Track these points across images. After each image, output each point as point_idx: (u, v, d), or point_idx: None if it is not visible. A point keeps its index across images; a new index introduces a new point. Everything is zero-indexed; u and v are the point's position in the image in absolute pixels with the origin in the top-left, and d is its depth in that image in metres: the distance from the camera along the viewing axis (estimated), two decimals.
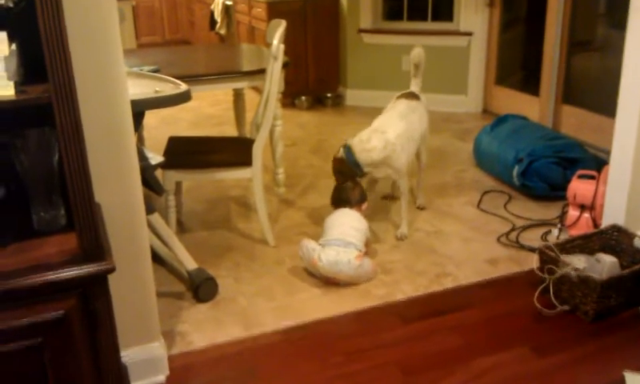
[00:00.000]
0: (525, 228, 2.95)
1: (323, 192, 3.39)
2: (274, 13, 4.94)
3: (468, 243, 2.84)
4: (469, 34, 4.81)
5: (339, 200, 2.73)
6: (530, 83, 4.49)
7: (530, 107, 4.41)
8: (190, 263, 2.44)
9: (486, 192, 3.39)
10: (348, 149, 2.74)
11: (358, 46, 5.20)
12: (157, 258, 2.61)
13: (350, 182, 2.75)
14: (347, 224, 2.57)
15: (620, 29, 3.41)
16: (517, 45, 4.86)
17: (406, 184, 2.84)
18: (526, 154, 3.24)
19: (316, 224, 2.97)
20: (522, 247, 2.77)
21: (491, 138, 3.59)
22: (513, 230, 2.94)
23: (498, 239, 2.86)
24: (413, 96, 3.00)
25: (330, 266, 2.45)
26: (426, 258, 2.72)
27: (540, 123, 4.01)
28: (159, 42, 8.11)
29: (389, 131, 2.76)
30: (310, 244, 2.53)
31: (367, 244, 2.62)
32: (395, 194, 3.24)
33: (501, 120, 3.72)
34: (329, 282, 2.49)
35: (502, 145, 3.45)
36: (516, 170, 3.27)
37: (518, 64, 4.87)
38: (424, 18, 4.99)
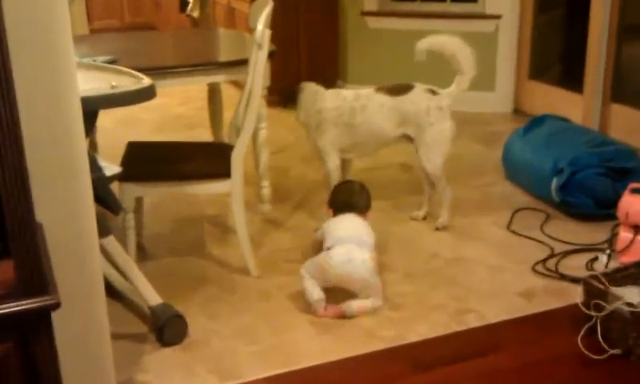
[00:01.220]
0: (566, 254, 2.96)
1: (318, 210, 3.40)
2: None
3: (496, 272, 2.84)
4: (496, 16, 4.85)
5: (343, 204, 2.81)
6: (571, 77, 4.54)
7: (572, 106, 4.44)
8: (153, 298, 2.44)
9: (517, 210, 3.40)
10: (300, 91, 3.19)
11: (362, 31, 5.24)
12: (112, 292, 2.61)
13: (356, 183, 2.93)
14: (355, 225, 2.68)
15: None
16: (555, 30, 4.92)
17: (439, 174, 3.15)
18: (566, 164, 3.26)
19: (309, 249, 2.98)
20: (563, 277, 2.78)
21: (524, 143, 3.61)
22: (551, 256, 2.94)
23: (533, 268, 2.86)
24: (402, 89, 3.14)
25: (343, 266, 2.49)
26: (444, 290, 2.72)
27: (584, 126, 4.05)
28: (117, 26, 8.16)
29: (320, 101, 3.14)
30: (310, 261, 2.57)
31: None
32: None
33: (536, 122, 3.74)
34: (335, 308, 2.54)
35: (538, 152, 3.46)
36: (555, 183, 3.28)
37: (556, 53, 4.91)
38: None
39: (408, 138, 3.17)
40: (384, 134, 3.15)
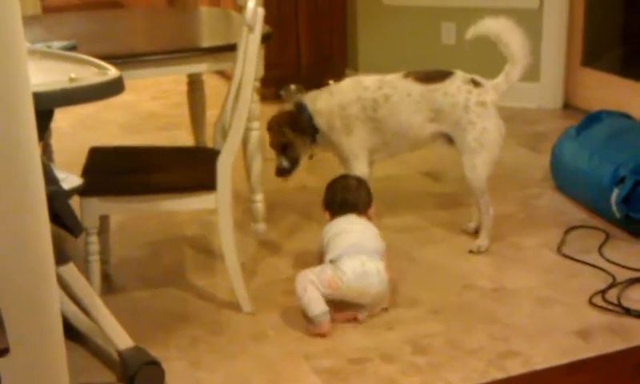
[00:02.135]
0: (630, 283, 2.94)
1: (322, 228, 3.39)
2: None
3: (545, 306, 2.83)
4: None
5: (341, 204, 2.90)
6: (634, 64, 4.53)
7: (636, 99, 4.44)
8: (122, 340, 2.43)
9: (570, 228, 3.39)
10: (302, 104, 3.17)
11: (375, 9, 5.25)
12: (72, 333, 2.60)
13: (352, 178, 3.02)
14: (361, 231, 2.80)
15: None
16: (614, 5, 4.91)
17: (483, 190, 3.17)
18: (629, 171, 3.25)
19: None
20: (627, 312, 2.76)
21: (578, 146, 3.60)
22: (613, 285, 2.93)
23: (591, 300, 2.85)
24: (436, 77, 3.16)
25: (359, 280, 2.64)
26: (481, 328, 2.71)
27: None
28: (76, 3, 8.19)
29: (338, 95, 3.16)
30: (311, 272, 2.68)
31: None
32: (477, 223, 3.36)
33: (592, 119, 3.74)
34: (347, 313, 2.70)
35: (595, 157, 3.46)
36: (615, 195, 3.27)
37: (616, 35, 4.91)
38: None
39: (447, 139, 3.19)
40: (413, 130, 3.16)
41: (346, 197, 2.92)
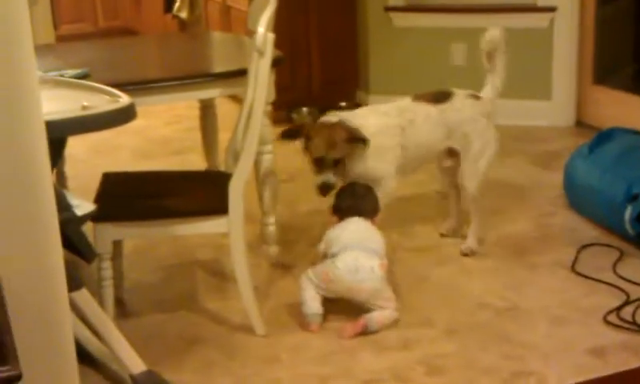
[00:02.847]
0: None
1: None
2: None
3: (560, 325, 2.82)
4: (551, 9, 4.87)
5: (349, 209, 2.97)
6: None
7: None
8: (135, 364, 2.43)
9: (584, 246, 3.38)
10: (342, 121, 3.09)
11: (386, 31, 5.27)
12: (85, 357, 2.61)
13: (361, 185, 3.05)
14: (362, 231, 2.89)
15: None
16: (625, 23, 4.91)
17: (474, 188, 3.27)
18: None
19: (326, 301, 2.97)
20: None
21: (590, 164, 3.60)
22: (627, 303, 2.92)
23: (605, 318, 2.84)
24: (442, 97, 3.27)
25: (350, 275, 2.74)
26: (495, 348, 2.70)
27: None
28: (89, 31, 8.26)
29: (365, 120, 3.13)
30: (311, 270, 2.82)
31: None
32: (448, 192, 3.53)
33: (604, 137, 3.73)
34: (355, 324, 2.76)
35: (607, 175, 3.45)
36: (629, 213, 3.26)
37: (627, 52, 4.91)
38: None
39: (451, 153, 3.31)
40: (433, 148, 3.29)
41: (353, 203, 2.99)
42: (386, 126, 3.17)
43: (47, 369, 1.85)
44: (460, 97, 3.28)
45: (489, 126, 3.28)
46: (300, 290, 2.83)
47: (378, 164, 3.15)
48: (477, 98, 3.29)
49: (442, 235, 3.52)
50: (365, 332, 2.75)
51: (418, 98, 3.27)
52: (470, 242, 3.36)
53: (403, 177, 3.38)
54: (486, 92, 3.31)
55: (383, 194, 3.17)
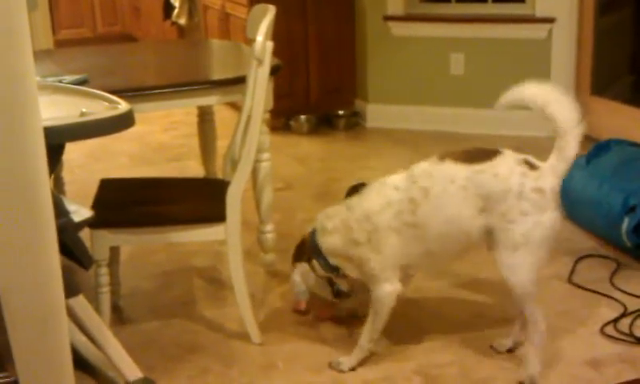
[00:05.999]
0: None
1: None
2: None
3: (556, 337, 2.81)
4: (549, 20, 4.88)
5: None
6: None
7: None
8: (131, 371, 2.43)
9: (581, 258, 3.38)
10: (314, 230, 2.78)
11: (384, 40, 5.28)
12: (82, 364, 2.60)
13: (362, 187, 2.73)
14: None
15: None
16: (623, 34, 4.92)
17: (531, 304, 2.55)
18: None
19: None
20: (639, 342, 2.75)
21: (587, 175, 3.60)
22: (624, 315, 2.92)
23: (602, 330, 2.84)
24: (480, 155, 2.53)
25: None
26: (492, 359, 2.70)
27: None
28: (88, 37, 8.27)
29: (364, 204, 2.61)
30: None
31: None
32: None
33: (601, 148, 3.73)
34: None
35: (605, 185, 3.45)
36: (626, 224, 3.26)
37: (625, 64, 4.92)
38: None
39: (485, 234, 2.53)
40: (463, 227, 2.50)
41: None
42: (389, 203, 2.54)
43: (43, 375, 1.84)
44: (508, 159, 2.49)
45: (545, 205, 2.45)
46: (292, 276, 2.84)
47: (372, 256, 2.57)
48: (532, 166, 2.50)
49: (492, 348, 2.76)
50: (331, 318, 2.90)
51: (444, 156, 2.54)
52: (532, 367, 2.53)
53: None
54: (551, 161, 2.52)
55: (376, 297, 2.59)
